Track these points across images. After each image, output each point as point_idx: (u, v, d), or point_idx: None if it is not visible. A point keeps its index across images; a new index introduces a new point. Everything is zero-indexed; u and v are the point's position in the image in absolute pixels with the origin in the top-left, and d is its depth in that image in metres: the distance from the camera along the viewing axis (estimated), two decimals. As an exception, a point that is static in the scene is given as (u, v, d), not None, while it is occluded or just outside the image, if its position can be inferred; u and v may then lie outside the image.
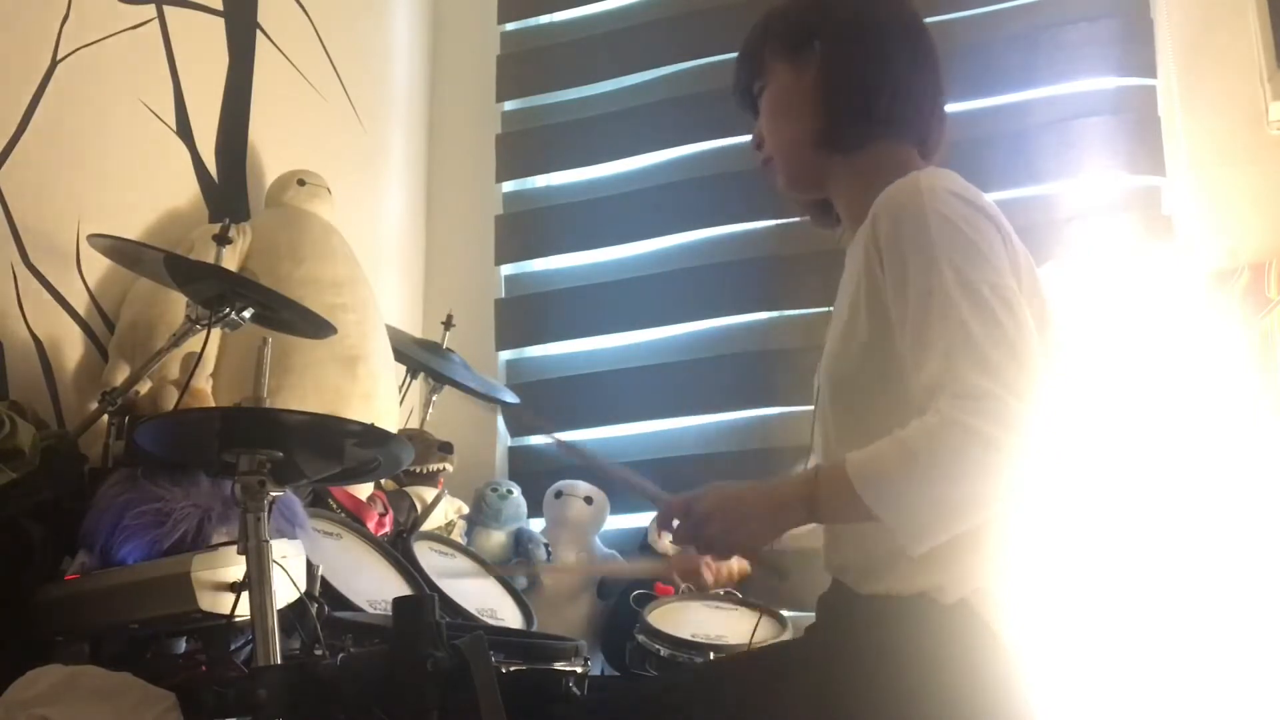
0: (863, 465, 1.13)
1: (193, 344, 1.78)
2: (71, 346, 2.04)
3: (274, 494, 1.42)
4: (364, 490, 2.18)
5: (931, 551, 1.15)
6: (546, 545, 2.47)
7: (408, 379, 2.55)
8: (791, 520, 1.22)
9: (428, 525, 2.30)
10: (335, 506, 2.06)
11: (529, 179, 3.12)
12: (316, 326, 1.82)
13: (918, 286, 1.16)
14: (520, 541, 2.50)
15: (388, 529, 2.15)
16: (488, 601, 2.11)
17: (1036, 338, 1.14)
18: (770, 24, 1.43)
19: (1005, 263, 1.19)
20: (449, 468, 2.43)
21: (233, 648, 1.55)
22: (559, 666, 1.62)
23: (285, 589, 1.46)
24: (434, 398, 2.55)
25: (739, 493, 1.25)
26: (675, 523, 1.29)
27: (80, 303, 2.06)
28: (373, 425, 1.53)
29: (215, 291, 1.70)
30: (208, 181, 2.40)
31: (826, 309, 1.34)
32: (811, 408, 1.40)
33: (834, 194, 1.41)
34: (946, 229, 1.17)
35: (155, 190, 2.27)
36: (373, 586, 1.87)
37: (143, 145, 2.24)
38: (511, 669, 1.54)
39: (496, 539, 2.50)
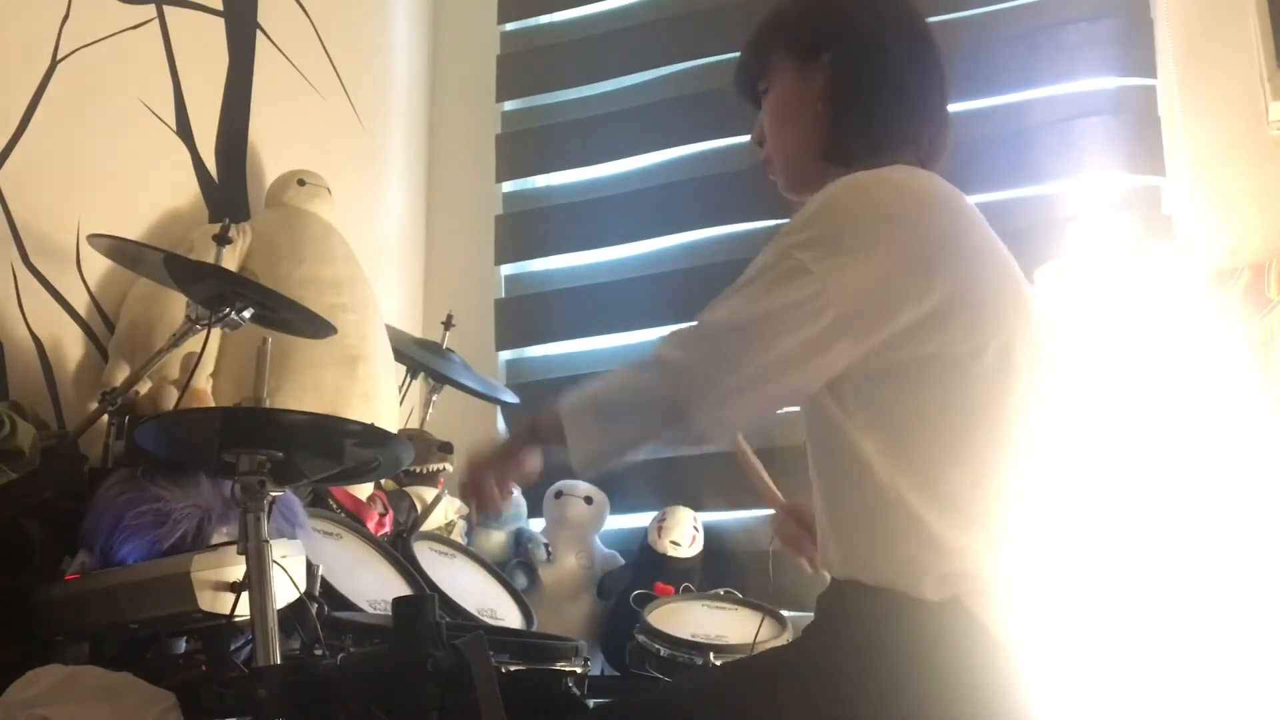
0: (574, 394, 1.29)
1: (193, 344, 1.78)
2: (71, 346, 2.04)
3: (274, 494, 1.42)
4: (364, 490, 2.18)
5: (926, 548, 1.16)
6: (546, 545, 2.47)
7: (408, 379, 2.55)
8: (519, 441, 1.42)
9: (428, 525, 2.30)
10: (335, 506, 2.05)
11: (529, 179, 3.12)
12: (316, 326, 1.82)
13: (763, 253, 1.23)
14: (520, 541, 2.50)
15: (388, 529, 2.15)
16: (488, 601, 2.11)
17: (793, 331, 1.17)
18: (779, 24, 1.41)
19: (857, 265, 1.19)
20: (449, 468, 2.43)
21: (233, 648, 1.55)
22: (559, 666, 1.62)
23: (285, 589, 1.46)
24: (434, 398, 2.55)
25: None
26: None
27: (80, 303, 2.06)
28: (373, 425, 1.53)
29: (215, 291, 1.70)
30: (208, 181, 2.40)
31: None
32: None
33: None
34: (825, 217, 1.22)
35: (155, 190, 2.27)
36: (373, 586, 1.87)
37: (143, 145, 2.24)
38: (511, 669, 1.54)
39: (496, 539, 2.50)
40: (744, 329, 1.18)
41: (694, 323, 1.23)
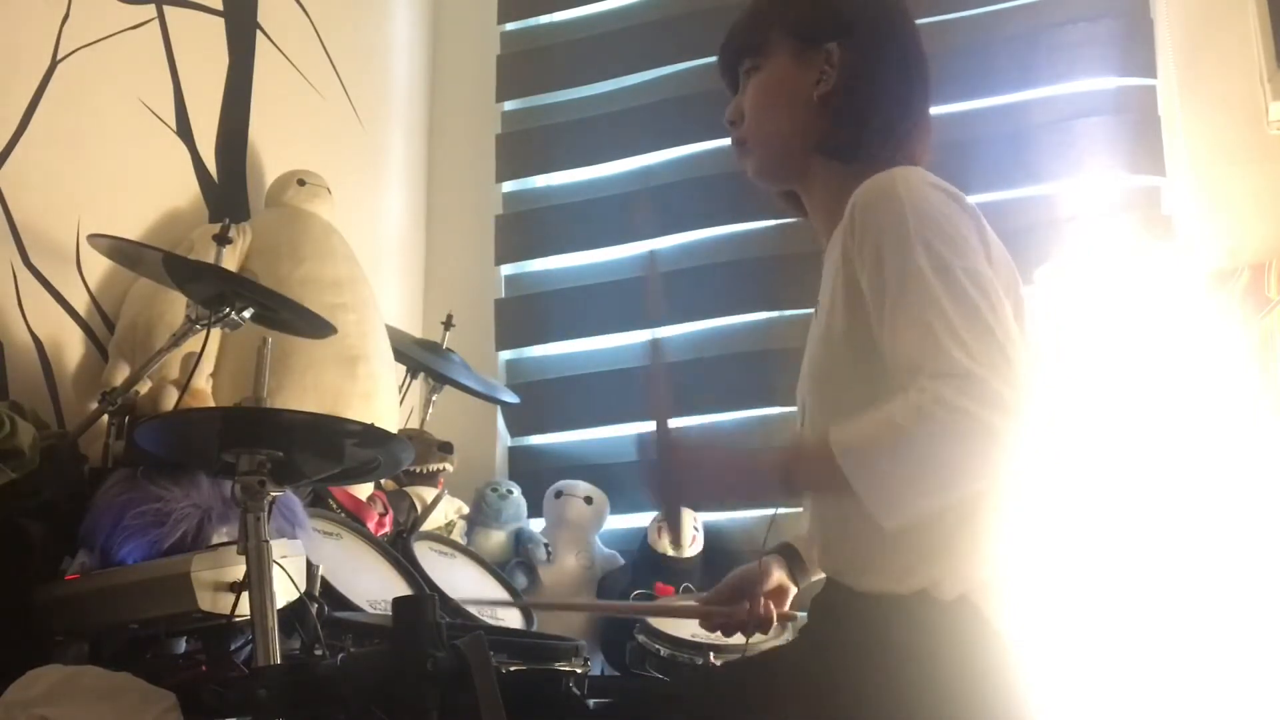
0: (847, 436, 1.12)
1: (193, 344, 1.77)
2: (71, 346, 2.04)
3: (274, 494, 1.42)
4: (364, 490, 2.18)
5: (929, 547, 1.16)
6: (546, 545, 2.47)
7: (408, 379, 2.55)
8: (765, 487, 1.21)
9: (428, 525, 2.30)
10: (335, 506, 2.05)
11: (529, 179, 3.12)
12: (316, 326, 1.82)
13: (893, 269, 1.16)
14: (520, 541, 2.50)
15: (388, 529, 2.15)
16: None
17: (1009, 319, 1.14)
18: (783, 7, 1.39)
19: (979, 249, 1.18)
20: (449, 468, 2.43)
21: (233, 648, 1.55)
22: (559, 666, 1.62)
23: (285, 589, 1.46)
24: (434, 398, 2.55)
25: (718, 450, 1.26)
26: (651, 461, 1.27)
27: (80, 303, 2.06)
28: (373, 425, 1.53)
29: (215, 291, 1.70)
30: (208, 181, 2.40)
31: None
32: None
33: (809, 194, 1.40)
34: (921, 216, 1.17)
35: (155, 190, 2.27)
36: (373, 586, 1.87)
37: (143, 145, 2.24)
38: (511, 669, 1.54)
39: (496, 539, 2.50)
40: (988, 336, 1.10)
41: (935, 370, 1.09)
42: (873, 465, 1.10)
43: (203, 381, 2.02)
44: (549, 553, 2.46)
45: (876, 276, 1.17)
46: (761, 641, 1.93)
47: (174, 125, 2.33)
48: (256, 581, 1.37)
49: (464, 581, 2.13)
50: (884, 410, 1.11)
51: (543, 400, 2.89)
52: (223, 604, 1.46)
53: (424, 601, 1.32)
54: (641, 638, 2.06)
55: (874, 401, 1.13)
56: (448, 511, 2.42)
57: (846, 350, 1.24)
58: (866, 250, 1.19)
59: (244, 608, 1.40)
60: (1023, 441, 1.08)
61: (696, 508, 1.26)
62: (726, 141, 2.94)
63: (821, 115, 1.34)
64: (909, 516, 1.11)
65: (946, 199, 1.21)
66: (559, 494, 2.56)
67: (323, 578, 1.64)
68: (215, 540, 1.58)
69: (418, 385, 2.62)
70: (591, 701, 1.67)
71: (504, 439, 2.94)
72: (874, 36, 1.35)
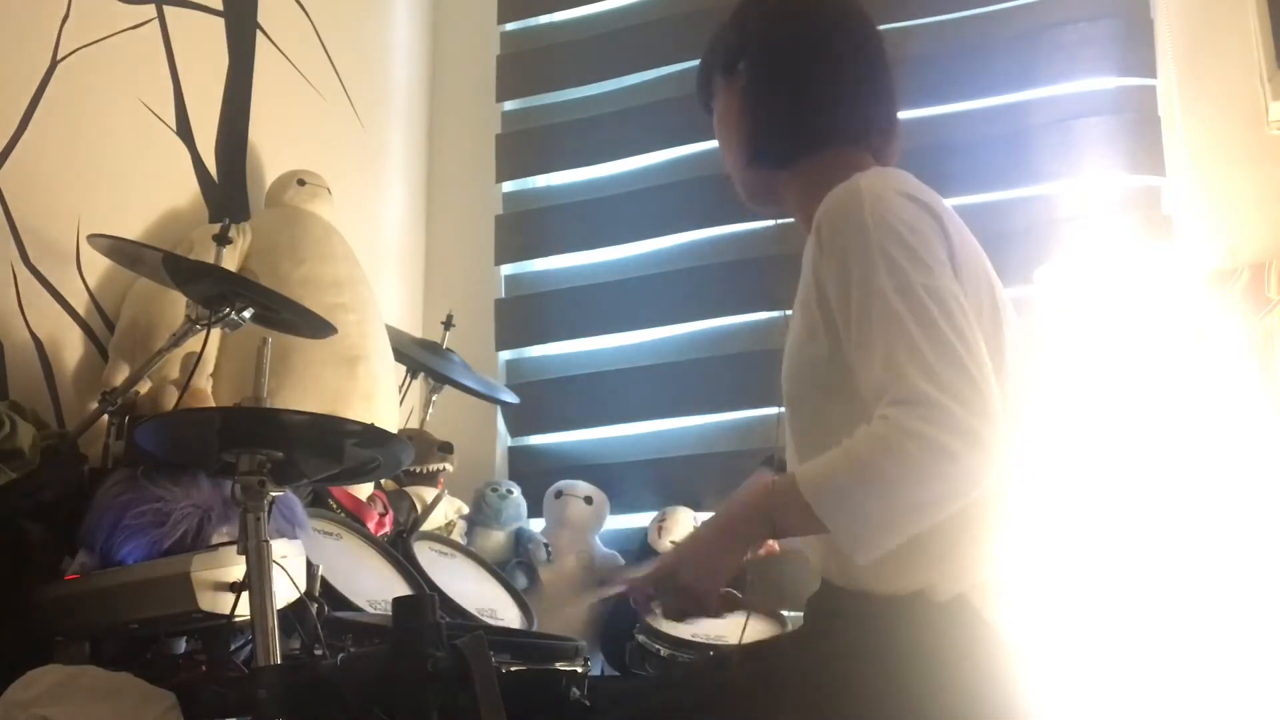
0: (813, 477, 1.14)
1: (193, 344, 1.78)
2: (71, 346, 2.04)
3: (274, 494, 1.42)
4: (364, 490, 2.18)
5: (926, 549, 1.16)
6: (546, 545, 2.47)
7: (408, 379, 2.55)
8: (754, 536, 1.22)
9: (428, 525, 2.30)
10: (335, 506, 2.06)
11: (529, 179, 3.12)
12: (316, 326, 1.82)
13: (858, 289, 1.17)
14: (520, 541, 2.50)
15: (388, 529, 2.15)
16: (488, 601, 2.11)
17: (977, 340, 1.14)
18: (713, 46, 1.45)
19: (944, 262, 1.18)
20: (449, 468, 2.43)
21: (233, 648, 1.55)
22: (559, 666, 1.62)
23: (285, 589, 1.45)
24: (434, 398, 2.55)
25: (693, 536, 1.28)
26: (656, 603, 1.30)
27: (80, 303, 2.06)
28: (373, 425, 1.52)
29: (215, 291, 1.70)
30: (208, 181, 2.40)
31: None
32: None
33: (787, 204, 1.42)
34: (883, 231, 1.17)
35: (155, 190, 2.27)
36: (373, 586, 1.87)
37: (143, 145, 2.24)
38: (511, 669, 1.54)
39: (496, 539, 2.50)
40: (952, 360, 1.10)
41: (897, 396, 1.09)
42: (843, 504, 1.11)
43: (203, 381, 2.02)
44: (549, 553, 2.46)
45: (843, 296, 1.18)
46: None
47: (174, 125, 2.33)
48: (256, 581, 1.37)
49: (464, 581, 2.13)
50: (847, 445, 1.12)
51: (543, 400, 2.89)
52: (223, 604, 1.45)
53: (424, 601, 1.32)
54: (641, 638, 2.06)
55: (850, 415, 1.14)
56: (448, 511, 2.42)
57: (821, 366, 1.25)
58: (833, 266, 1.20)
59: (244, 608, 1.39)
60: (988, 467, 1.08)
61: (712, 592, 1.26)
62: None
63: (744, 132, 1.38)
64: (883, 549, 1.12)
65: (908, 203, 1.21)
66: (559, 494, 2.56)
67: (323, 578, 1.64)
68: (215, 540, 1.58)
69: (418, 385, 2.62)
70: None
71: (504, 439, 2.94)
72: (776, 43, 1.37)
